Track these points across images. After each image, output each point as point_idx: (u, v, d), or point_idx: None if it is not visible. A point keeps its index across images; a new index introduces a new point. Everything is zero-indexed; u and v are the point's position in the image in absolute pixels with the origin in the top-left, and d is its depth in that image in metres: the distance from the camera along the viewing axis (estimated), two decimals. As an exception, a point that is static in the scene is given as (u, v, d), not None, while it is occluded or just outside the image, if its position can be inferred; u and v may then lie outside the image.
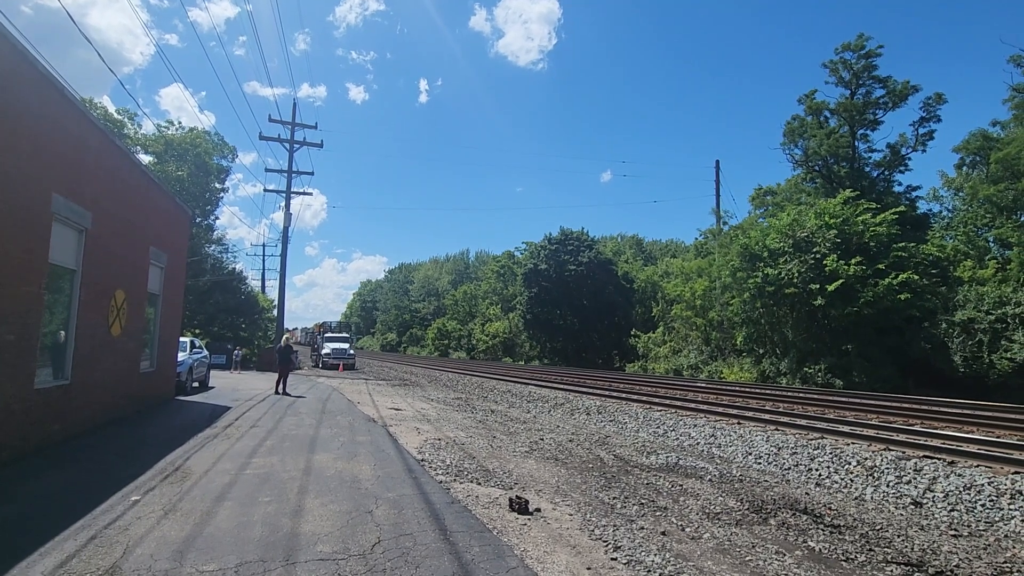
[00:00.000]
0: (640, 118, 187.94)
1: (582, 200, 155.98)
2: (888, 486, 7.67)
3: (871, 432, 10.23)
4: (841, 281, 24.05)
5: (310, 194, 34.97)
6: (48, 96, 7.13)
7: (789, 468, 8.89)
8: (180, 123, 34.58)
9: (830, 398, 16.81)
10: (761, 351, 29.13)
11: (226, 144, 35.22)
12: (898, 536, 5.70)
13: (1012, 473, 7.30)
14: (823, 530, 5.66)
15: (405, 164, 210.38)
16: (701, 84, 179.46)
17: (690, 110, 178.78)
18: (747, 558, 4.63)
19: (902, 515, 6.74)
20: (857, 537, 5.53)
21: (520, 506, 5.39)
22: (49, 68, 7.20)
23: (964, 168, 32.47)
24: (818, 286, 24.72)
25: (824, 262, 24.97)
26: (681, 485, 7.21)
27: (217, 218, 36.10)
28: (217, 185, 34.38)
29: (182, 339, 15.76)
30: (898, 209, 27.30)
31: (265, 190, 30.72)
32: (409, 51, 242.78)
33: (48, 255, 7.20)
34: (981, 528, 6.32)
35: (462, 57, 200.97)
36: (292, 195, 28.71)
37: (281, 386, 16.04)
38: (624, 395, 17.20)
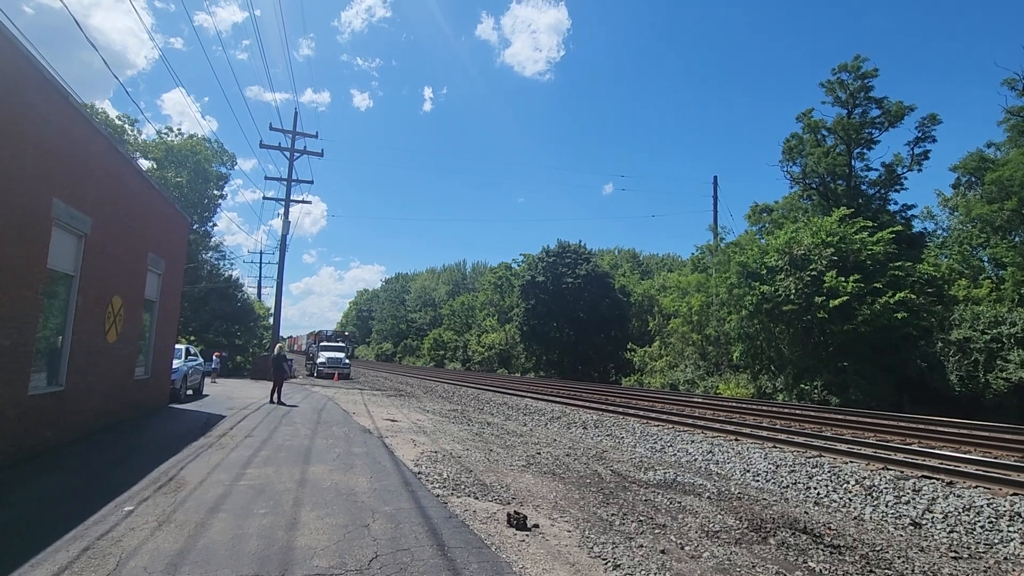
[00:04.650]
0: (642, 132, 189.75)
1: (583, 212, 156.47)
2: (887, 506, 7.64)
3: (869, 451, 10.21)
4: (845, 298, 24.14)
5: (309, 203, 34.84)
6: (51, 100, 7.13)
7: (787, 486, 8.84)
8: (180, 129, 34.48)
9: (826, 415, 16.78)
10: (757, 367, 29.14)
11: (225, 151, 35.26)
12: (898, 558, 5.66)
13: (1011, 495, 7.29)
14: (823, 550, 5.61)
15: (406, 173, 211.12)
16: (703, 99, 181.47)
17: (691, 125, 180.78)
18: (748, 578, 4.58)
19: (902, 536, 6.70)
20: (857, 558, 5.48)
21: (518, 522, 5.34)
22: (53, 73, 7.22)
23: (961, 188, 32.79)
24: (823, 299, 24.79)
25: (824, 278, 25.07)
26: (679, 502, 7.16)
27: (215, 225, 35.98)
28: (216, 192, 34.33)
29: (177, 346, 15.66)
30: (895, 228, 27.51)
31: (264, 198, 30.68)
32: (415, 59, 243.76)
33: (47, 260, 7.16)
34: (981, 550, 6.29)
35: (468, 66, 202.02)
36: (291, 203, 28.73)
37: (276, 395, 15.92)
38: (620, 409, 17.13)
